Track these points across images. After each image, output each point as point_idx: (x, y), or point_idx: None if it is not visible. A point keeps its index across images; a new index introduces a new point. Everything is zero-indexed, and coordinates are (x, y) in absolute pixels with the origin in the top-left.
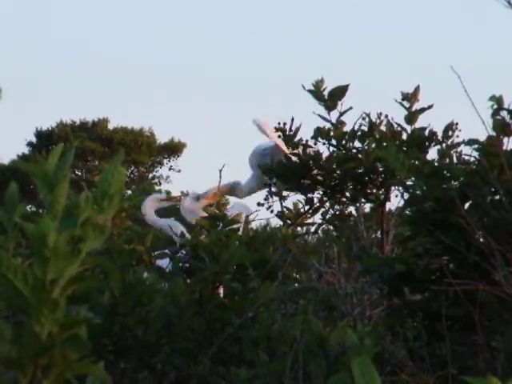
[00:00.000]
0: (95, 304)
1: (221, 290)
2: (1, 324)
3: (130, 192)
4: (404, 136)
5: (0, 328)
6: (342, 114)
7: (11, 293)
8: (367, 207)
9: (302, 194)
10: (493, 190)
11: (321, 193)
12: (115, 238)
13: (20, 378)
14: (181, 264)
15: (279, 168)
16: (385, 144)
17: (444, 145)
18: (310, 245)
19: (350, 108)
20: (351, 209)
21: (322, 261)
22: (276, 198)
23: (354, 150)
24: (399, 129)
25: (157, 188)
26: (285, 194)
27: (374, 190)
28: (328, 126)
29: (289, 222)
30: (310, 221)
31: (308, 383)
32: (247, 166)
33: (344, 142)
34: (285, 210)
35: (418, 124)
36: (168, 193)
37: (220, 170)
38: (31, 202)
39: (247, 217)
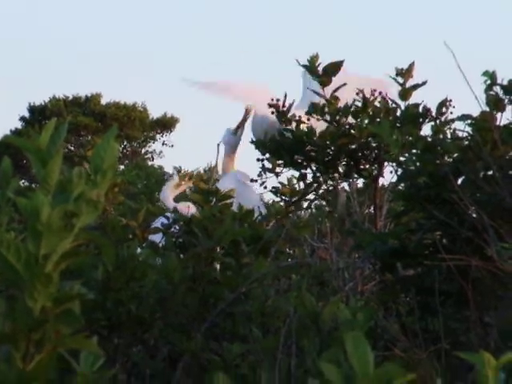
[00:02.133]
0: (88, 279)
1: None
2: None
3: (122, 167)
4: (398, 112)
5: None
6: (336, 89)
7: (4, 268)
8: (360, 183)
9: (296, 170)
10: (486, 165)
11: (314, 169)
12: (108, 214)
13: (13, 353)
14: (174, 239)
15: (272, 144)
16: (378, 120)
17: (438, 121)
18: (302, 220)
19: (344, 84)
20: (344, 184)
21: (315, 236)
22: (269, 175)
23: (348, 126)
24: (393, 105)
25: (149, 163)
26: (278, 170)
27: (367, 166)
28: (322, 101)
29: (285, 198)
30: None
31: (301, 358)
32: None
33: (338, 117)
34: (279, 185)
35: (412, 100)
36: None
37: (218, 145)
38: (24, 177)
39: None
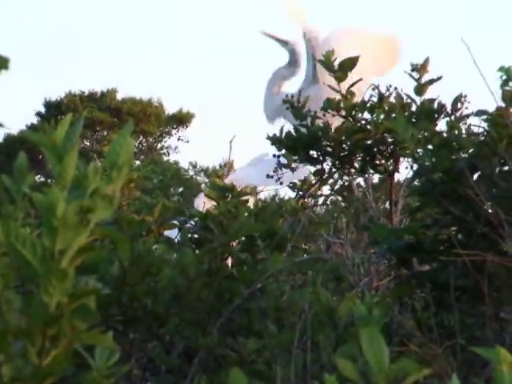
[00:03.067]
0: (104, 274)
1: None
2: (10, 294)
3: (138, 162)
4: (413, 108)
5: (9, 298)
6: (351, 85)
7: (20, 263)
8: (376, 178)
9: (311, 165)
10: (501, 161)
11: (330, 164)
12: (124, 209)
13: (29, 348)
14: (189, 235)
15: (288, 139)
16: (394, 115)
17: (453, 117)
18: (318, 216)
19: (360, 79)
20: (360, 180)
21: (331, 231)
22: (285, 170)
23: (363, 122)
24: (408, 100)
25: (165, 158)
26: (293, 165)
27: (383, 161)
28: (338, 97)
29: (301, 193)
30: (319, 192)
31: (316, 354)
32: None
33: (353, 113)
34: (297, 181)
35: (428, 95)
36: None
37: (230, 141)
38: (40, 173)
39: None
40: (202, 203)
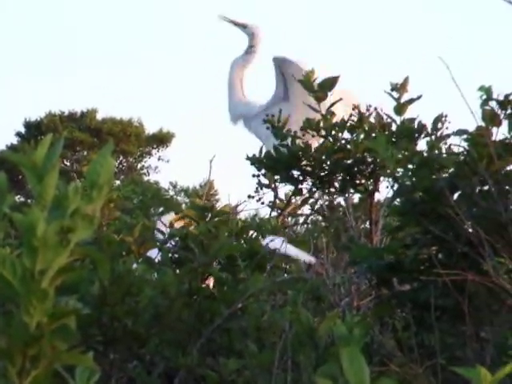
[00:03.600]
0: (84, 294)
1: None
2: None
3: (118, 182)
4: (393, 127)
5: None
6: (331, 104)
7: (0, 283)
8: (356, 198)
9: (292, 185)
10: (482, 180)
11: (310, 184)
12: (104, 229)
13: (9, 368)
14: (170, 254)
15: (268, 159)
16: (374, 135)
17: (433, 136)
18: (299, 235)
19: (340, 99)
20: (340, 199)
21: (311, 251)
22: (266, 190)
23: (343, 141)
24: (388, 120)
25: (145, 178)
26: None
27: (363, 181)
28: (318, 117)
29: (281, 212)
30: (299, 211)
31: (297, 374)
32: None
33: (333, 132)
34: (277, 200)
35: (407, 115)
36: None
37: (210, 161)
38: (20, 193)
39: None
40: (167, 222)
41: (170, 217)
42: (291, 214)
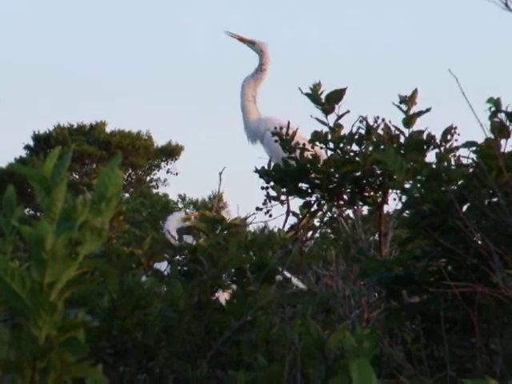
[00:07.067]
0: (94, 307)
1: (221, 295)
2: None
3: (127, 195)
4: (402, 139)
5: None
6: (339, 117)
7: (9, 296)
8: (365, 210)
9: (300, 198)
10: (491, 192)
11: (318, 196)
12: (113, 242)
13: (18, 381)
14: (179, 267)
15: (277, 172)
16: (382, 147)
17: (442, 148)
18: (308, 248)
19: (348, 111)
20: (349, 212)
21: (320, 264)
22: (274, 203)
23: (352, 154)
24: (397, 132)
25: (154, 191)
26: (282, 198)
27: (372, 193)
28: (325, 129)
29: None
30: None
31: None
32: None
33: (341, 145)
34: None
35: (416, 127)
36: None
37: (220, 173)
38: (29, 206)
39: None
40: (174, 226)
41: (179, 215)
42: (303, 227)
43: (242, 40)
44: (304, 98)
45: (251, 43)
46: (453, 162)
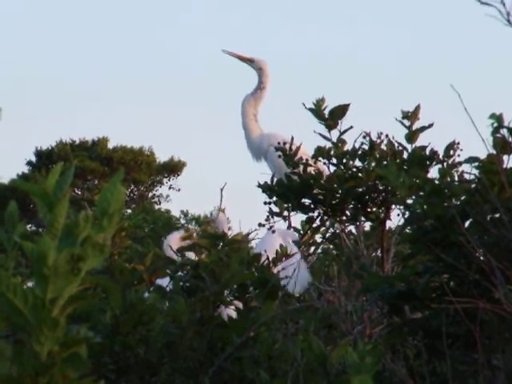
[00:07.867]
0: (96, 323)
1: (224, 310)
2: (1, 343)
3: (129, 211)
4: (405, 155)
5: (0, 347)
6: (342, 132)
7: (11, 312)
8: (367, 226)
9: (303, 213)
10: (493, 207)
11: (321, 212)
12: (115, 258)
13: None
14: (181, 283)
15: (280, 187)
16: (385, 163)
17: (445, 164)
18: (310, 264)
19: (351, 127)
20: (351, 227)
21: (322, 279)
22: (277, 218)
23: (355, 169)
24: (400, 148)
25: (156, 207)
26: (285, 213)
27: (375, 209)
28: (329, 145)
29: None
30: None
31: None
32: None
33: (345, 160)
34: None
35: (419, 143)
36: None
37: (221, 189)
38: (31, 222)
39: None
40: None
41: (178, 234)
42: (305, 243)
43: (240, 58)
44: (304, 113)
45: (250, 61)
46: (455, 178)
